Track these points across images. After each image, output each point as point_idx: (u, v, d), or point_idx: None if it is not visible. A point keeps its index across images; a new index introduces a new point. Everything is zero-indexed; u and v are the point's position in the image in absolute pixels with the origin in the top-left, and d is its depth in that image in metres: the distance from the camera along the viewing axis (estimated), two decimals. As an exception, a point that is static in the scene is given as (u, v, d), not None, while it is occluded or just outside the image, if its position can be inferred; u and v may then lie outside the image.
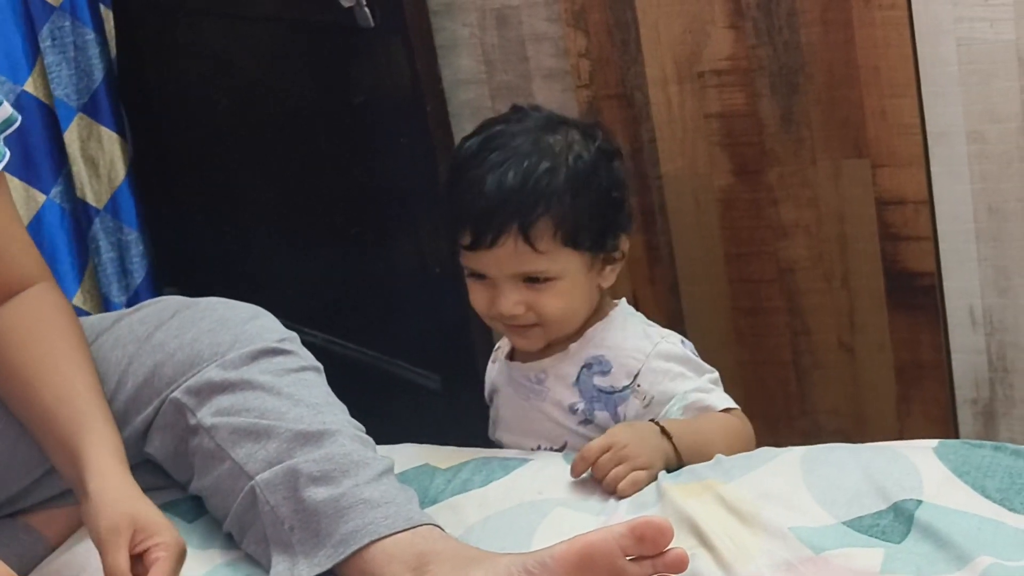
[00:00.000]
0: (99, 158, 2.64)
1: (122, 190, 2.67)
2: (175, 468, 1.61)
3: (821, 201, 2.10)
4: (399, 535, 1.44)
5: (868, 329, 2.13)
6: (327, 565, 1.45)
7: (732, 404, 1.68)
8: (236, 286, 1.79)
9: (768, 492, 1.44)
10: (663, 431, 1.59)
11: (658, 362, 1.67)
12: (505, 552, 1.41)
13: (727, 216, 2.16)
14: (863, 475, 1.43)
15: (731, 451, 1.57)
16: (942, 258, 2.04)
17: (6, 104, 1.63)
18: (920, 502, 1.38)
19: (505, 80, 2.30)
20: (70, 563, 1.60)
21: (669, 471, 1.55)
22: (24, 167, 2.48)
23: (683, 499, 1.45)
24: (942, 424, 2.10)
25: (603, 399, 1.68)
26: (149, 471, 1.64)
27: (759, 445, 1.63)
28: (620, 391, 1.68)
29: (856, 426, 2.16)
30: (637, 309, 1.79)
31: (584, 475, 1.57)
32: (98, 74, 2.60)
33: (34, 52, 2.48)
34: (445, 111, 2.33)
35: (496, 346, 1.88)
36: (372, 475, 1.49)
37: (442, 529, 1.48)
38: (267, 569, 1.49)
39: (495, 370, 1.84)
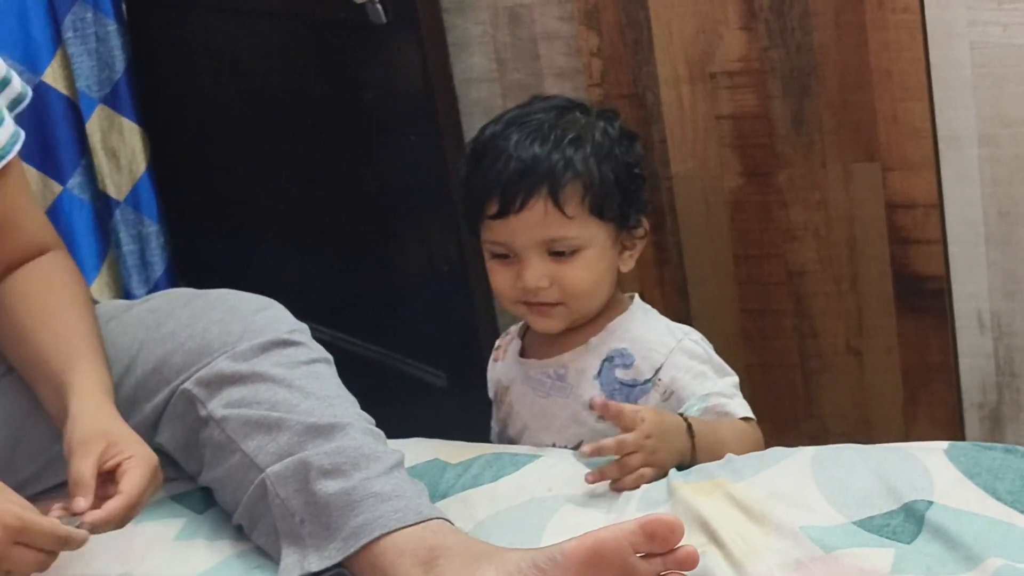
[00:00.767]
0: (120, 150, 2.64)
1: (143, 182, 2.67)
2: (185, 459, 1.61)
3: (831, 204, 2.10)
4: (410, 529, 1.44)
5: (876, 332, 2.13)
6: (337, 558, 1.45)
7: (750, 414, 1.67)
8: (244, 281, 1.79)
9: (779, 491, 1.44)
10: (689, 429, 1.59)
11: (682, 358, 1.67)
12: (515, 548, 1.41)
13: (737, 218, 2.16)
14: (874, 475, 1.43)
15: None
16: (951, 262, 2.04)
17: (15, 80, 1.63)
18: (931, 503, 1.38)
19: (517, 78, 2.30)
20: (78, 554, 1.57)
21: (679, 469, 1.56)
22: (42, 157, 2.49)
23: (694, 497, 1.45)
24: (949, 428, 2.10)
25: (624, 392, 1.67)
26: (159, 462, 1.64)
27: (766, 447, 1.63)
28: (642, 384, 1.67)
29: (863, 430, 2.16)
30: (645, 310, 1.79)
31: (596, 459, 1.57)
32: (120, 65, 2.61)
33: (56, 42, 2.49)
34: (456, 109, 2.33)
35: (496, 345, 1.87)
36: (383, 469, 1.49)
37: (452, 523, 1.48)
38: (277, 561, 1.49)
39: (502, 368, 1.82)
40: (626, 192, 1.67)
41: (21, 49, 2.47)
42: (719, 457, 1.56)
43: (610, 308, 1.72)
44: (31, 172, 2.42)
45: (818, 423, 2.20)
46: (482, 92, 2.34)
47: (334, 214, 2.56)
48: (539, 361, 1.74)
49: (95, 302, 1.71)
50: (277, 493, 1.49)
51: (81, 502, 1.39)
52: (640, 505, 1.49)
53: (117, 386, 1.58)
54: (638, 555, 1.31)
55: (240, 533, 1.57)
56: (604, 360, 1.69)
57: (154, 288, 2.67)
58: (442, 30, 2.31)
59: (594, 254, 1.65)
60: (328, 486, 1.47)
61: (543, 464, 1.62)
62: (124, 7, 2.64)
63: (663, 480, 1.52)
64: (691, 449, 1.58)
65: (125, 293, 2.63)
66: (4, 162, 1.61)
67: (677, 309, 2.22)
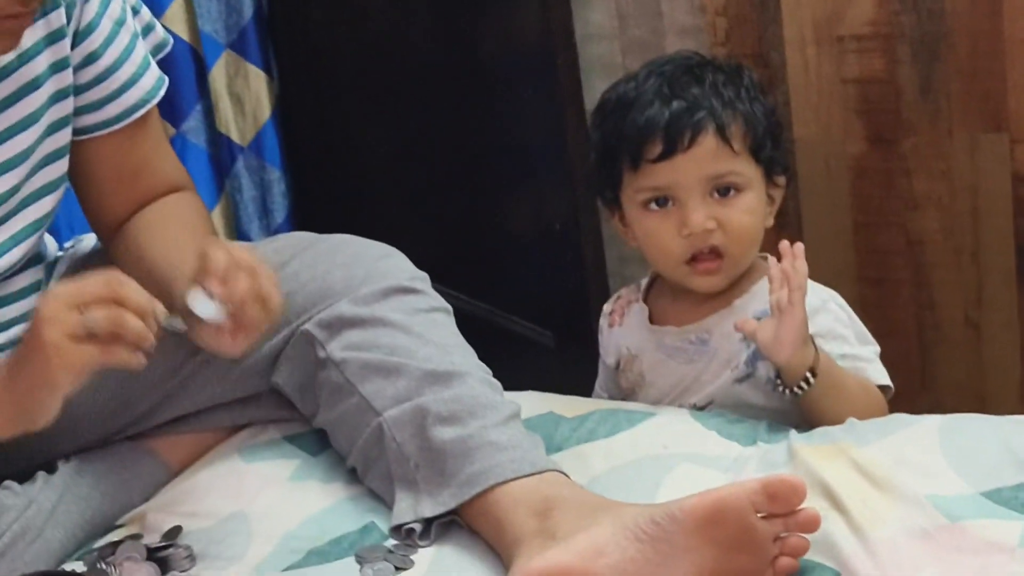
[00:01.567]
0: (245, 96, 2.65)
1: (266, 129, 2.68)
2: (301, 400, 1.62)
3: (955, 174, 2.06)
4: (525, 479, 1.43)
5: (996, 306, 2.09)
6: (451, 504, 1.44)
7: (888, 383, 1.63)
8: (358, 231, 1.78)
9: (904, 458, 1.41)
10: (816, 353, 1.55)
11: (825, 318, 1.63)
12: (631, 503, 1.39)
13: (858, 184, 2.13)
14: (1003, 447, 1.40)
15: (862, 417, 1.54)
16: (1078, 238, 2.00)
17: (158, 27, 1.66)
18: (1061, 477, 1.35)
19: (637, 35, 2.27)
20: (192, 490, 1.61)
21: (794, 392, 1.54)
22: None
23: (815, 460, 1.42)
24: (1066, 407, 2.06)
25: None
26: (275, 402, 1.65)
27: (882, 418, 1.60)
28: None
29: (977, 405, 2.11)
30: (762, 275, 1.76)
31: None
32: (248, 11, 2.62)
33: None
34: (576, 66, 2.30)
35: (608, 310, 1.82)
36: (500, 419, 1.48)
37: (567, 476, 1.46)
38: (390, 505, 1.49)
39: (624, 335, 1.77)
40: (774, 137, 1.66)
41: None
42: (838, 402, 1.54)
43: (751, 270, 1.68)
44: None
45: (932, 396, 2.16)
46: (602, 49, 2.31)
47: (449, 169, 2.56)
48: (678, 328, 1.70)
49: (218, 240, 1.72)
50: (393, 437, 1.49)
51: (215, 282, 1.37)
52: (759, 466, 1.46)
53: None
54: (759, 515, 1.29)
55: (353, 476, 1.57)
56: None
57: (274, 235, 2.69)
58: (564, -15, 2.29)
59: (753, 197, 1.63)
60: (444, 433, 1.47)
61: (659, 422, 1.60)
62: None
63: (783, 442, 1.50)
64: (813, 365, 1.54)
65: (244, 239, 2.65)
66: (149, 106, 1.64)
67: (793, 275, 2.19)
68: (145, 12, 1.66)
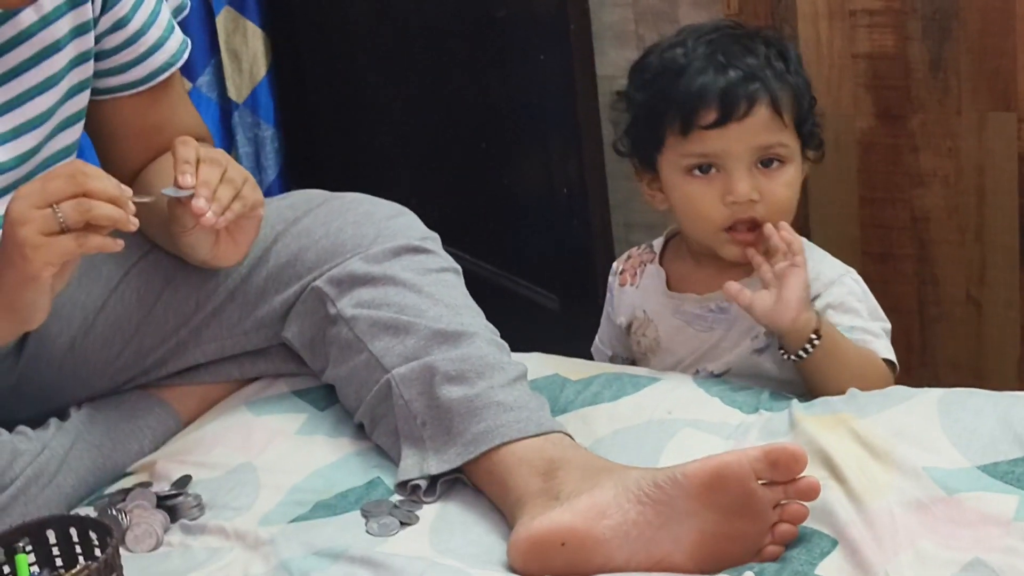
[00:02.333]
0: (242, 52, 2.66)
1: (262, 86, 2.69)
2: (311, 355, 1.63)
3: (962, 151, 2.07)
4: (530, 440, 1.45)
5: (998, 285, 2.11)
6: (457, 463, 1.46)
7: (893, 358, 1.64)
8: (361, 190, 1.79)
9: (903, 430, 1.43)
10: (818, 319, 1.58)
11: (840, 291, 1.65)
12: (634, 466, 1.41)
13: (865, 159, 2.14)
14: (1001, 421, 1.42)
15: (863, 387, 1.55)
16: (1082, 218, 2.02)
17: None
18: (1058, 452, 1.37)
19: (651, 3, 2.28)
20: (201, 440, 1.63)
21: (799, 356, 1.57)
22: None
23: (816, 430, 1.44)
24: (1063, 386, 2.08)
25: None
26: (284, 356, 1.67)
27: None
28: None
29: (976, 381, 2.12)
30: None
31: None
32: (247, -33, 2.62)
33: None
34: (589, 32, 2.31)
35: (618, 268, 1.81)
36: (507, 379, 1.50)
37: (572, 438, 1.49)
38: (396, 462, 1.51)
39: (638, 297, 1.77)
40: (812, 111, 1.67)
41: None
42: (840, 369, 1.56)
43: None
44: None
45: (930, 372, 2.18)
46: (614, 16, 2.32)
47: (456, 129, 2.56)
48: (698, 296, 1.70)
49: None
50: (401, 394, 1.51)
51: (188, 178, 1.44)
52: (761, 435, 1.48)
53: (249, 275, 1.61)
54: (760, 482, 1.31)
55: (360, 432, 1.59)
56: None
57: (266, 192, 2.69)
58: (578, -51, 2.29)
59: (794, 170, 1.64)
60: (452, 391, 1.49)
61: (663, 387, 1.62)
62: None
63: (785, 411, 1.52)
64: (817, 328, 1.57)
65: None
66: (173, 69, 1.66)
67: (797, 248, 2.20)
68: None
